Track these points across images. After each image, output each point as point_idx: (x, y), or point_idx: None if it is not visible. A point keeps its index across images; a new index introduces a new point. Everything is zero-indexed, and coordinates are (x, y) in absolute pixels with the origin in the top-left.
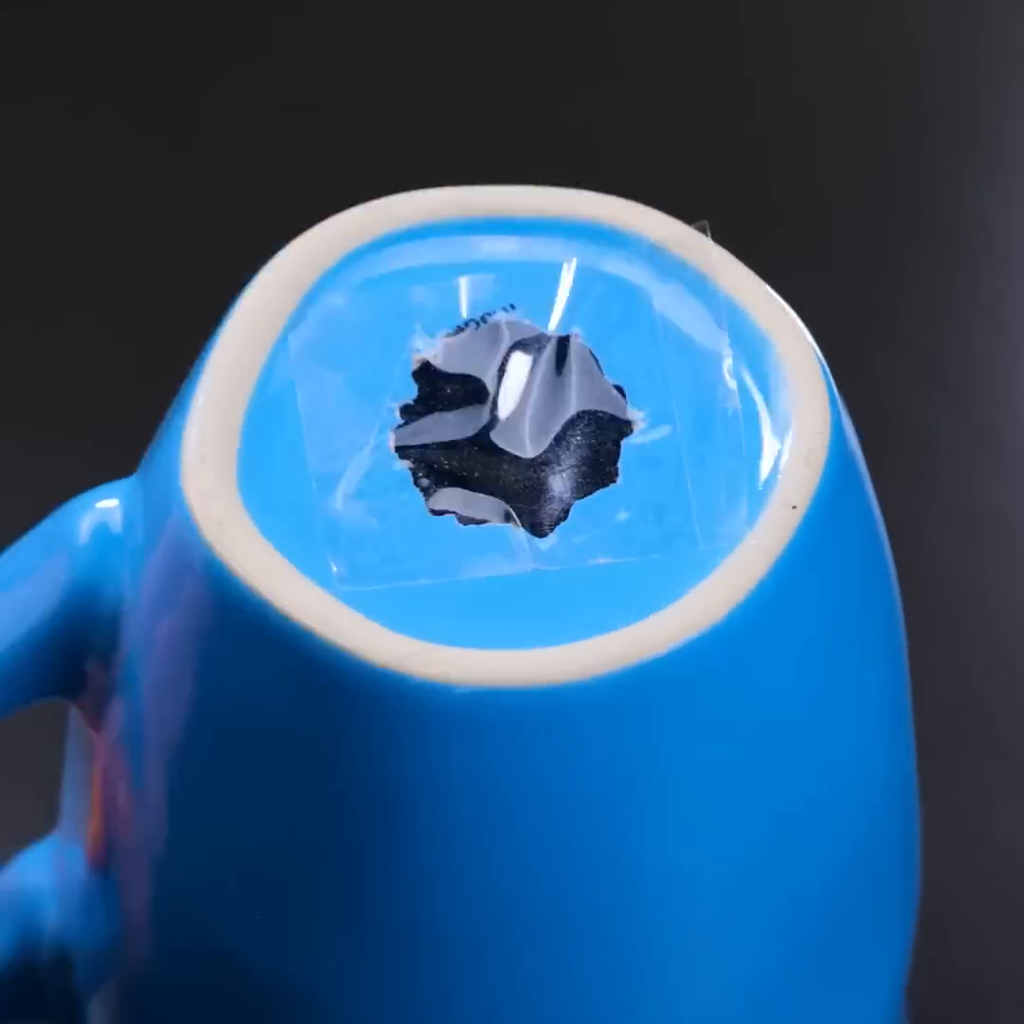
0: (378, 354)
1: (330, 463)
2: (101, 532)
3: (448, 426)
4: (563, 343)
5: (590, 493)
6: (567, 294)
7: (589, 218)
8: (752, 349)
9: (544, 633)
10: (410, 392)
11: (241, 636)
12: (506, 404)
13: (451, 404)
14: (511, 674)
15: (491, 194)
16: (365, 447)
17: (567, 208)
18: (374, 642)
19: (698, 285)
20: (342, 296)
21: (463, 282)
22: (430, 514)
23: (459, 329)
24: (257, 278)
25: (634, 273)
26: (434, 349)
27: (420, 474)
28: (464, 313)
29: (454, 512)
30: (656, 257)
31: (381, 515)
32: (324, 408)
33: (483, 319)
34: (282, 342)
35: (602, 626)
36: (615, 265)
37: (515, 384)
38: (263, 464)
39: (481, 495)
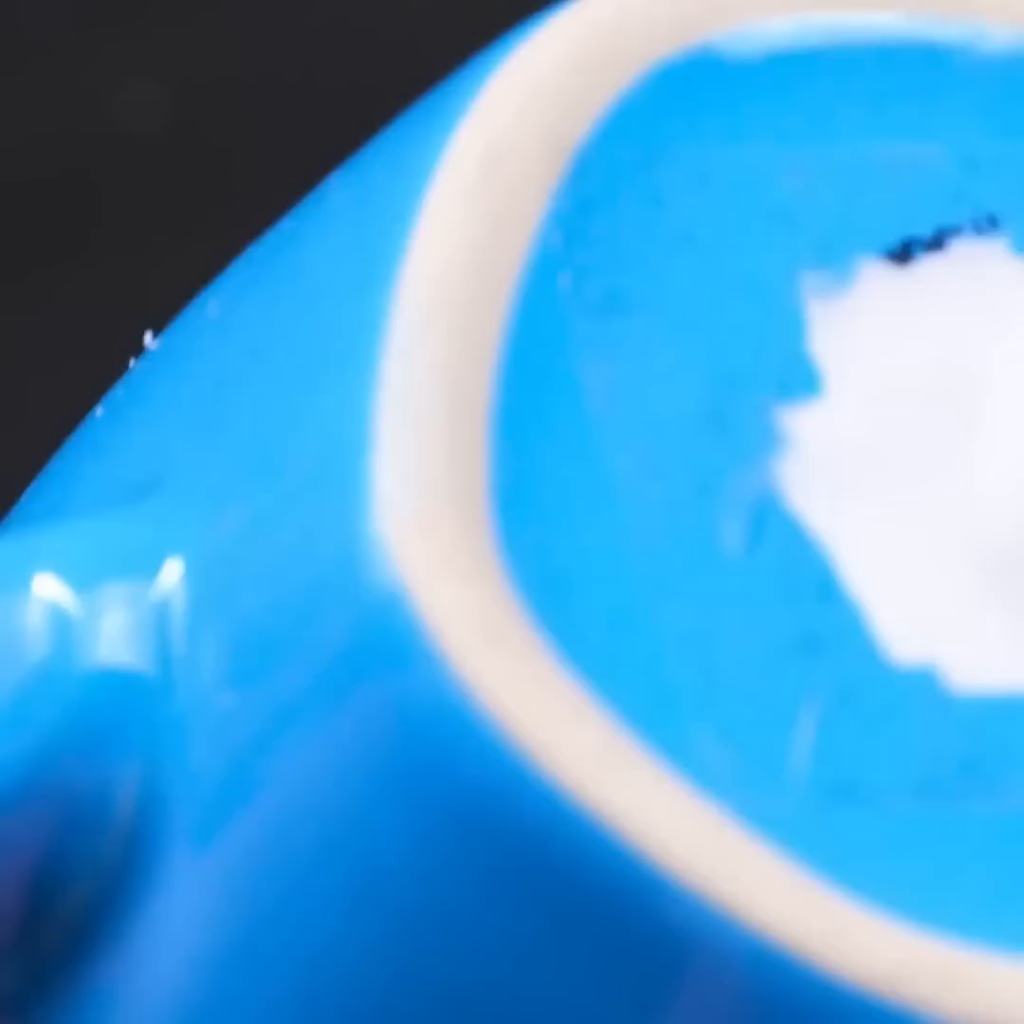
0: (732, 300)
1: (669, 533)
2: (94, 653)
3: (890, 457)
4: None
5: None
6: None
7: None
8: None
9: None
10: (803, 381)
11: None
12: (999, 430)
13: (893, 412)
14: None
15: None
16: (733, 489)
17: None
18: (861, 942)
19: None
20: (647, 171)
21: (893, 161)
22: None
23: (893, 257)
24: (458, 128)
25: None
26: (840, 294)
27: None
28: (898, 228)
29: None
30: None
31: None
32: (647, 410)
33: (936, 241)
34: (543, 265)
35: None
36: None
37: (1015, 398)
38: (545, 529)
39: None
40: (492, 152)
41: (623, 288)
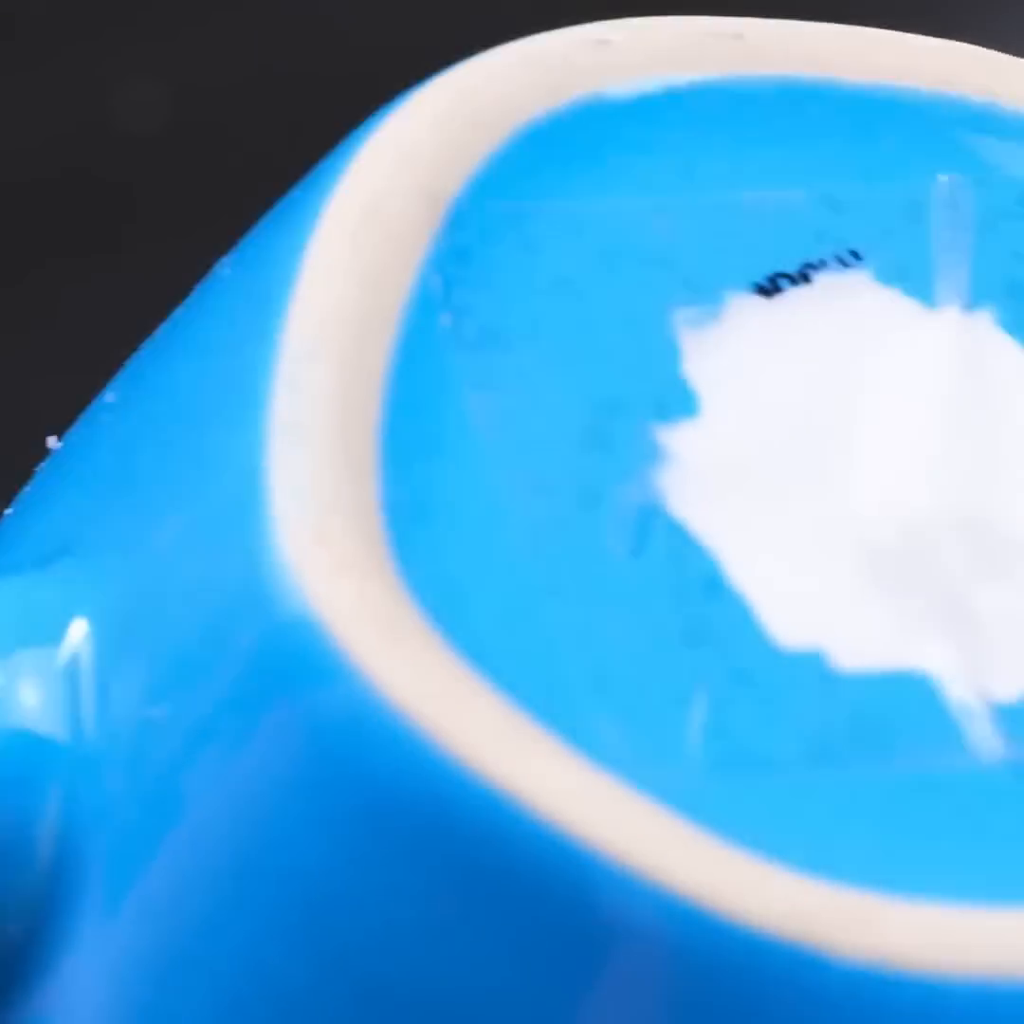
0: (607, 334)
1: (557, 540)
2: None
3: (768, 467)
4: (971, 335)
5: None
6: (956, 239)
7: (972, 91)
8: None
9: None
10: (679, 402)
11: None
12: (870, 441)
13: (768, 427)
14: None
15: (775, 37)
16: (617, 500)
17: (923, 70)
18: (765, 892)
19: None
20: (521, 222)
21: (758, 205)
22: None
23: (760, 290)
24: (338, 186)
25: None
26: (712, 325)
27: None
28: (765, 265)
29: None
30: None
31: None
32: (529, 433)
33: (802, 275)
34: (423, 307)
35: None
36: None
37: (887, 407)
38: (436, 539)
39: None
40: (370, 205)
41: (501, 327)
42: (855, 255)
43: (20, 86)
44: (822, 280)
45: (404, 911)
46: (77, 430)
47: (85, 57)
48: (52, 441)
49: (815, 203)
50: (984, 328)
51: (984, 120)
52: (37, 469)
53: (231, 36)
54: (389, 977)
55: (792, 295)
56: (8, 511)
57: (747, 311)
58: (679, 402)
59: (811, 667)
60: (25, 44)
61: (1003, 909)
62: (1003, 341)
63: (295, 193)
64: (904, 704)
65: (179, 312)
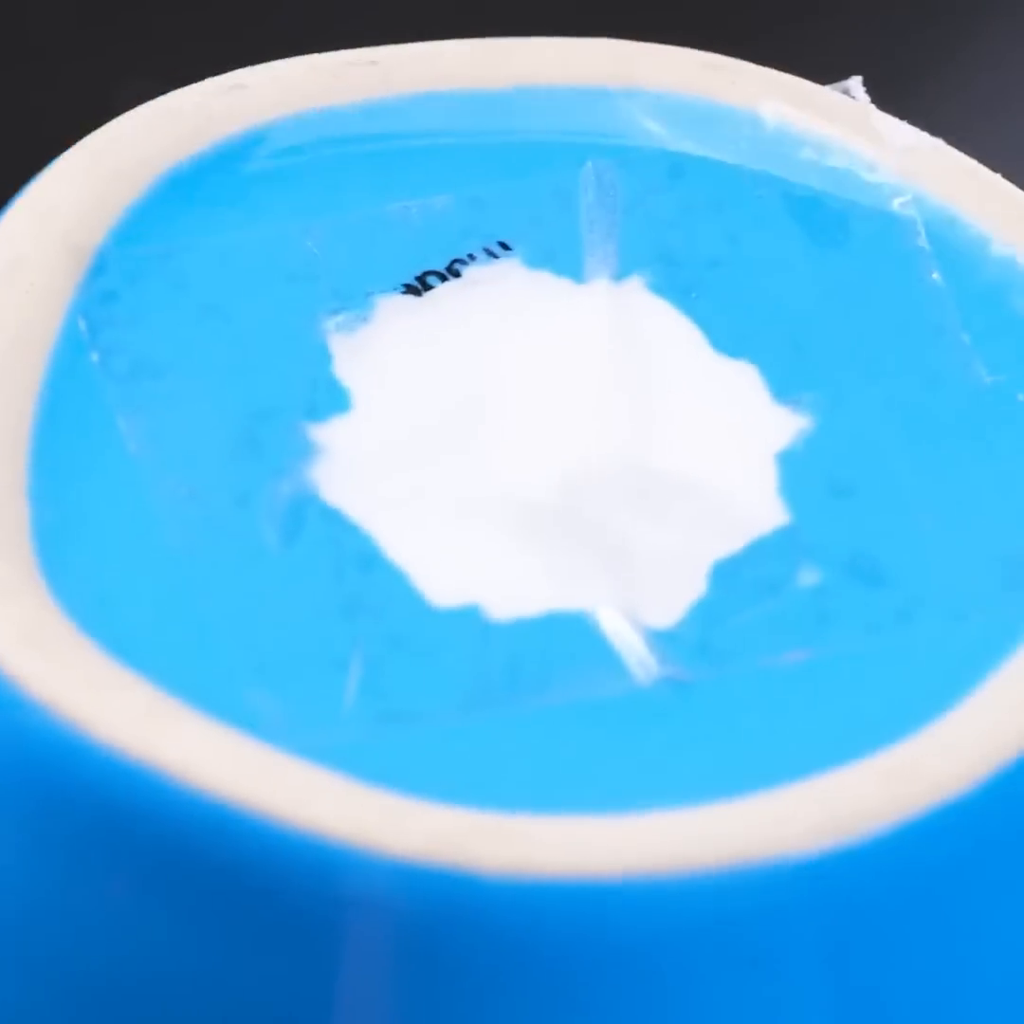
0: (258, 350)
1: (212, 540)
2: None
3: (421, 449)
4: (621, 301)
5: (736, 542)
6: (604, 218)
7: (611, 82)
8: (990, 279)
9: (690, 783)
10: (331, 401)
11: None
12: (525, 410)
13: (419, 413)
14: (665, 856)
15: (411, 58)
16: (270, 496)
17: (559, 68)
18: (410, 825)
19: (856, 182)
20: (168, 261)
21: (403, 214)
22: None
23: (409, 290)
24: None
25: (725, 171)
26: (361, 328)
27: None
28: (413, 267)
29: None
30: (763, 140)
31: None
32: (182, 448)
33: (451, 270)
34: (70, 349)
35: (794, 766)
36: (690, 157)
37: (540, 377)
38: (90, 552)
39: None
40: (12, 261)
41: (152, 358)
42: (503, 246)
43: (20, 86)
44: (471, 273)
45: (90, 904)
46: None
47: (85, 57)
48: None
49: (461, 205)
50: (635, 293)
51: (625, 106)
52: None
53: (231, 36)
54: (96, 976)
55: (442, 290)
56: None
57: (396, 310)
58: (331, 401)
59: (466, 623)
60: (25, 44)
61: (649, 814)
62: (654, 302)
63: None
64: (562, 643)
65: None
